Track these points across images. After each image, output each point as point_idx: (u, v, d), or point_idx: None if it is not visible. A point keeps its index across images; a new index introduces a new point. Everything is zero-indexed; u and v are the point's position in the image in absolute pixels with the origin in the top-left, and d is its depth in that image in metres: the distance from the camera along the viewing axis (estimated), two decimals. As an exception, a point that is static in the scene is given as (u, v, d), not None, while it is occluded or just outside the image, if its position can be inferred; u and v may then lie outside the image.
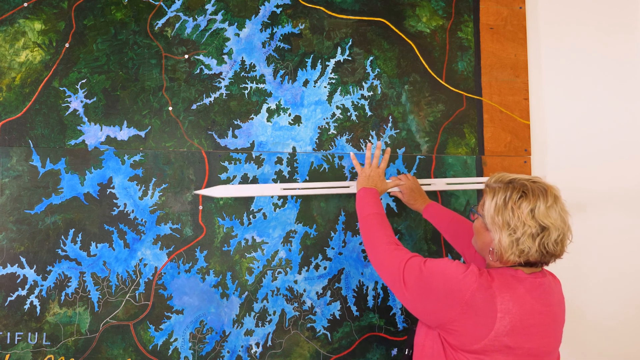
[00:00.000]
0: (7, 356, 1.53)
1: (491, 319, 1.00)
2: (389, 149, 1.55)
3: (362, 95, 1.75)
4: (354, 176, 1.71)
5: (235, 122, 1.68)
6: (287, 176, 1.68)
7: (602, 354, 1.79)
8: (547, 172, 1.80)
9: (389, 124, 1.75)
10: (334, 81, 1.74)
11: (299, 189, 1.60)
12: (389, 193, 1.69)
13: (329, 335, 1.65)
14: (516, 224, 1.03)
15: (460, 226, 1.46)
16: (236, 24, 1.72)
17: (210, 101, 1.68)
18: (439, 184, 1.63)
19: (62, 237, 1.58)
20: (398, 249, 1.16)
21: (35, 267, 1.56)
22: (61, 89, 1.63)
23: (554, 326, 1.07)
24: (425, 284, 1.05)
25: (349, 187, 1.64)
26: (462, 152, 1.76)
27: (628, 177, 1.84)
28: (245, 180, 1.67)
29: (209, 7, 1.71)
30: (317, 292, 1.67)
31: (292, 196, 1.68)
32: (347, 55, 1.75)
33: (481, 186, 1.63)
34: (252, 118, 1.69)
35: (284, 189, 1.58)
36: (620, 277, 1.81)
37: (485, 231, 1.11)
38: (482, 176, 1.75)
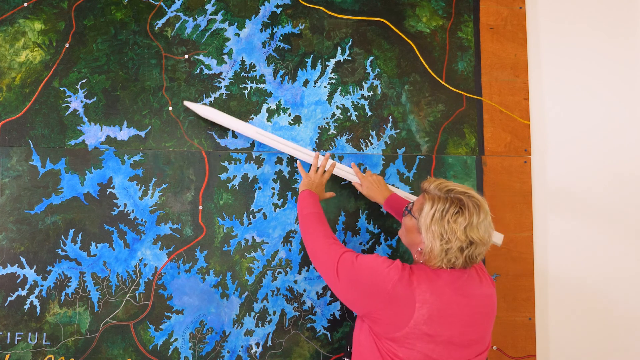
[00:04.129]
0: (7, 356, 1.53)
1: (410, 309, 1.09)
2: (334, 162, 1.61)
3: (362, 95, 1.75)
4: (354, 176, 1.71)
5: (235, 122, 1.68)
6: (287, 176, 1.68)
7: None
8: (547, 172, 1.80)
9: (389, 124, 1.75)
10: (334, 81, 1.74)
11: (272, 139, 1.62)
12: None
13: (329, 335, 1.65)
14: (449, 237, 1.10)
15: None
16: (236, 24, 1.72)
17: (210, 101, 1.68)
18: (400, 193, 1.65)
19: (62, 237, 1.58)
20: (335, 243, 1.26)
21: (35, 267, 1.56)
22: (61, 89, 1.63)
23: (477, 316, 1.13)
24: (355, 276, 1.15)
25: (311, 156, 1.65)
26: (462, 152, 1.76)
27: (628, 177, 1.84)
28: (245, 180, 1.67)
29: (209, 7, 1.71)
30: (317, 292, 1.67)
31: (292, 196, 1.68)
32: (347, 55, 1.75)
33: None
34: (252, 118, 1.69)
35: (259, 132, 1.62)
36: (620, 277, 1.81)
37: (416, 232, 1.18)
38: (482, 177, 1.75)
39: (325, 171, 1.58)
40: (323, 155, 1.67)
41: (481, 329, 1.15)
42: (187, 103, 1.62)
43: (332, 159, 1.71)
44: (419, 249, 1.18)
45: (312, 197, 1.45)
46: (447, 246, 1.10)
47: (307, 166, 1.70)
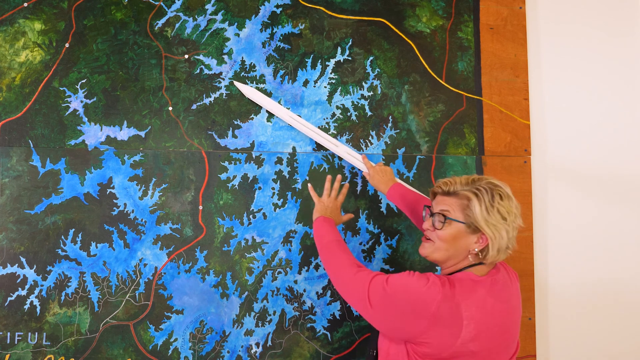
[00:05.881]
0: (7, 356, 1.53)
1: (458, 328, 1.01)
2: (347, 184, 1.55)
3: (362, 95, 1.75)
4: (354, 175, 1.71)
5: (235, 122, 1.68)
6: (287, 176, 1.68)
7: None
8: (547, 172, 1.80)
9: (389, 124, 1.75)
10: (334, 81, 1.74)
11: (304, 125, 1.65)
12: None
13: (329, 335, 1.65)
14: (510, 220, 1.08)
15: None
16: (236, 24, 1.72)
17: (210, 101, 1.68)
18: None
19: (62, 237, 1.58)
20: (360, 270, 1.16)
21: (35, 267, 1.56)
22: (61, 89, 1.63)
23: (512, 320, 1.10)
24: (391, 302, 1.06)
25: (337, 146, 1.65)
26: (462, 152, 1.76)
27: (628, 177, 1.84)
28: (245, 180, 1.67)
29: (209, 7, 1.71)
30: (317, 292, 1.67)
31: (292, 196, 1.68)
32: (347, 55, 1.75)
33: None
34: (252, 118, 1.69)
35: (291, 117, 1.65)
36: (620, 277, 1.81)
37: (466, 235, 1.10)
38: (482, 176, 1.75)
39: (338, 194, 1.51)
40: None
41: (515, 333, 1.11)
42: (236, 83, 1.66)
43: (332, 158, 1.71)
44: (475, 250, 1.10)
45: (329, 223, 1.36)
46: (511, 234, 1.08)
47: (314, 159, 1.70)
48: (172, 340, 1.59)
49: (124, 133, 1.64)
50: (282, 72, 1.72)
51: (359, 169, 1.67)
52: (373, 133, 1.74)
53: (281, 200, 1.68)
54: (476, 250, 1.10)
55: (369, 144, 1.73)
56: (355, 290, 1.12)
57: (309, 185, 1.57)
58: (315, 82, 1.73)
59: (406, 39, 1.78)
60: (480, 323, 1.02)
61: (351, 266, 1.18)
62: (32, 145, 1.60)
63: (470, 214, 1.08)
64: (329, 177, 1.52)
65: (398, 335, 1.08)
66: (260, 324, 1.63)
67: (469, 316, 1.01)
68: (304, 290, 1.66)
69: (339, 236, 1.31)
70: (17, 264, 1.56)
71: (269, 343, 1.63)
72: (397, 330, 1.07)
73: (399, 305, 1.05)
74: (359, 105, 1.74)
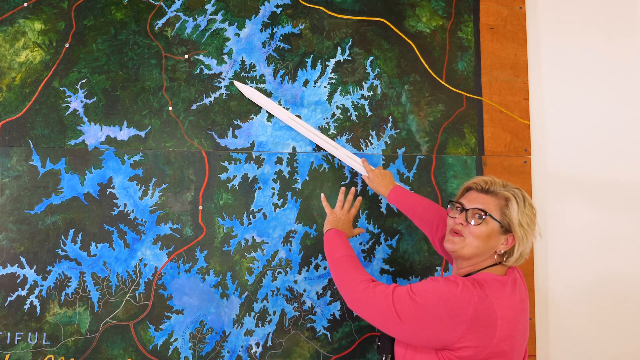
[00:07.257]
0: (7, 356, 1.53)
1: (493, 328, 1.02)
2: (360, 197, 1.54)
3: (362, 95, 1.75)
4: (354, 175, 1.71)
5: (235, 122, 1.68)
6: (287, 176, 1.68)
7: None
8: (547, 172, 1.80)
9: (389, 124, 1.75)
10: (334, 81, 1.74)
11: (303, 127, 1.65)
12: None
13: (329, 335, 1.65)
14: (533, 226, 1.13)
15: (430, 210, 1.47)
16: (236, 24, 1.72)
17: (210, 101, 1.68)
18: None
19: (62, 237, 1.58)
20: (377, 285, 1.13)
21: (35, 267, 1.56)
22: (61, 89, 1.63)
23: (527, 317, 1.14)
24: (424, 311, 1.03)
25: (337, 149, 1.65)
26: (462, 152, 1.76)
27: (628, 178, 1.84)
28: (245, 180, 1.67)
29: (209, 7, 1.71)
30: (317, 292, 1.67)
31: (292, 196, 1.68)
32: (347, 55, 1.75)
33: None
34: (252, 118, 1.69)
35: (290, 117, 1.65)
36: (620, 277, 1.81)
37: (497, 235, 1.12)
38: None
39: (351, 206, 1.51)
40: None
41: (528, 331, 1.14)
42: (236, 83, 1.67)
43: (332, 158, 1.71)
44: (501, 251, 1.12)
45: (341, 237, 1.35)
46: (534, 237, 1.13)
47: (312, 160, 1.70)
48: (172, 340, 1.59)
49: (124, 133, 1.64)
50: (282, 72, 1.72)
51: (359, 172, 1.67)
52: (373, 133, 1.74)
53: (281, 200, 1.68)
54: (502, 251, 1.12)
55: (369, 144, 1.73)
56: (376, 306, 1.09)
57: (322, 195, 1.58)
58: (315, 82, 1.73)
59: (406, 39, 1.78)
60: (510, 322, 1.04)
61: (367, 282, 1.15)
62: (32, 145, 1.60)
63: (508, 213, 1.11)
64: (342, 188, 1.52)
65: (433, 344, 1.04)
66: (260, 324, 1.63)
67: (502, 316, 1.02)
68: (304, 290, 1.66)
69: (351, 251, 1.29)
70: (17, 264, 1.56)
71: (269, 343, 1.63)
72: (432, 340, 1.03)
73: (434, 313, 1.02)
74: (359, 105, 1.74)
